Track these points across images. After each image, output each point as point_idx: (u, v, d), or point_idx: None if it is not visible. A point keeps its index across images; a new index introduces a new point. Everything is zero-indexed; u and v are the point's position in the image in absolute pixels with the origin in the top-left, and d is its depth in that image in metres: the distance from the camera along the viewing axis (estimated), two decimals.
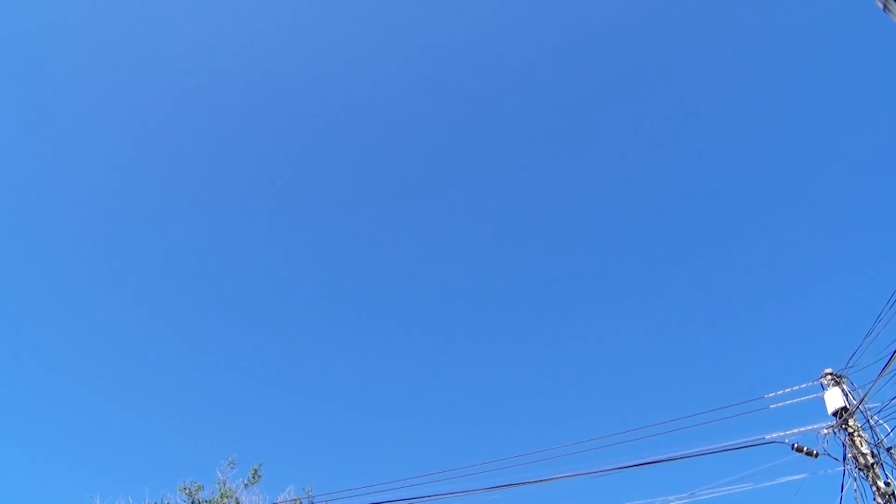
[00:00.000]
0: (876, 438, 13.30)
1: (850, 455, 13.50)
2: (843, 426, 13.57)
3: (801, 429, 13.93)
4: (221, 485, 26.09)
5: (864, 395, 13.11)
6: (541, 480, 13.76)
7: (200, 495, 25.71)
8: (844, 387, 13.83)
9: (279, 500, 27.83)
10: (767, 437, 13.77)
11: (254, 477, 26.72)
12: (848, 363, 14.02)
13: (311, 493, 27.48)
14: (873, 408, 13.49)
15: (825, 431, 13.84)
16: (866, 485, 13.24)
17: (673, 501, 14.92)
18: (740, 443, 13.29)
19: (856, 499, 13.46)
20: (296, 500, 27.40)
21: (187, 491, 25.32)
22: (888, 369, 12.18)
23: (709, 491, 14.78)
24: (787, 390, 14.17)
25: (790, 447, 13.73)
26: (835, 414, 13.78)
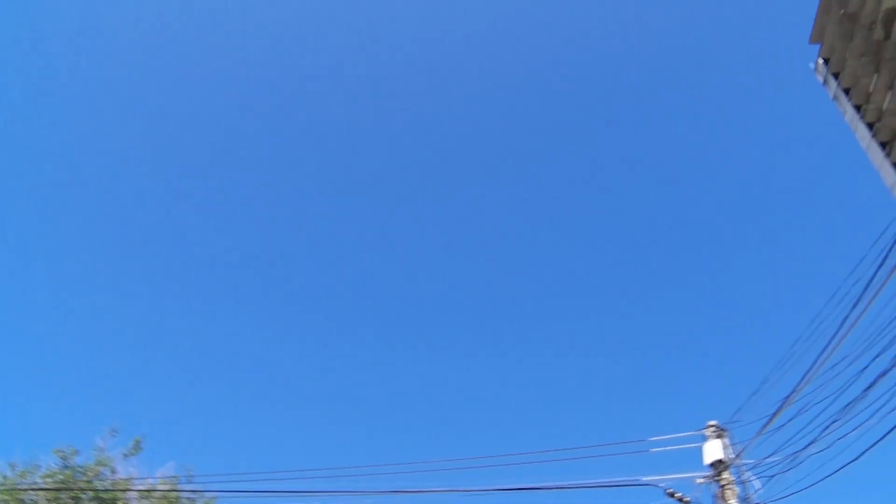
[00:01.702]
0: (745, 493, 13.68)
1: None
2: (717, 478, 13.92)
3: (678, 475, 14.24)
4: (99, 452, 25.32)
5: (741, 451, 13.52)
6: (408, 492, 13.71)
7: (75, 460, 24.89)
8: (725, 440, 14.22)
9: (157, 474, 27.14)
10: (644, 478, 14.02)
11: (134, 448, 26.01)
12: (732, 418, 14.44)
13: (191, 473, 26.89)
14: (748, 464, 13.90)
15: (700, 481, 14.17)
16: None
17: None
18: (617, 481, 13.52)
19: None
20: (174, 476, 26.77)
21: (62, 454, 24.48)
22: (766, 429, 12.59)
23: None
24: (670, 436, 14.49)
25: (664, 491, 14.02)
26: (711, 465, 14.14)
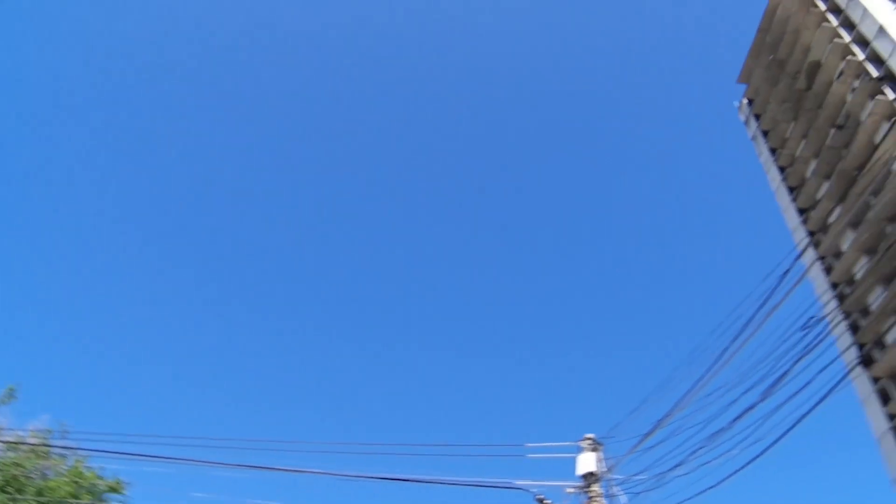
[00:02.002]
0: None
1: None
2: (587, 489, 14.26)
3: (550, 482, 14.52)
4: None
5: (612, 466, 13.89)
6: (279, 469, 13.60)
7: None
8: (599, 453, 14.58)
9: (30, 427, 26.23)
10: (517, 482, 14.25)
11: (7, 397, 25.08)
12: (608, 433, 14.82)
13: (66, 429, 26.07)
14: (617, 479, 14.30)
15: (570, 490, 14.48)
16: None
17: None
18: (489, 481, 13.70)
19: None
20: (47, 430, 25.93)
21: None
22: (638, 448, 12.99)
23: None
24: (547, 444, 14.76)
25: (534, 496, 14.27)
26: (583, 476, 14.47)
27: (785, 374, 10.02)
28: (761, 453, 10.64)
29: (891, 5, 49.10)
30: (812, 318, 9.65)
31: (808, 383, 9.86)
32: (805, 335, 9.61)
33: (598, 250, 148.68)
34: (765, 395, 10.30)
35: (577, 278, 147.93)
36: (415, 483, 13.42)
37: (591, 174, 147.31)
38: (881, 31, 46.01)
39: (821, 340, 9.58)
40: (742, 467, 10.64)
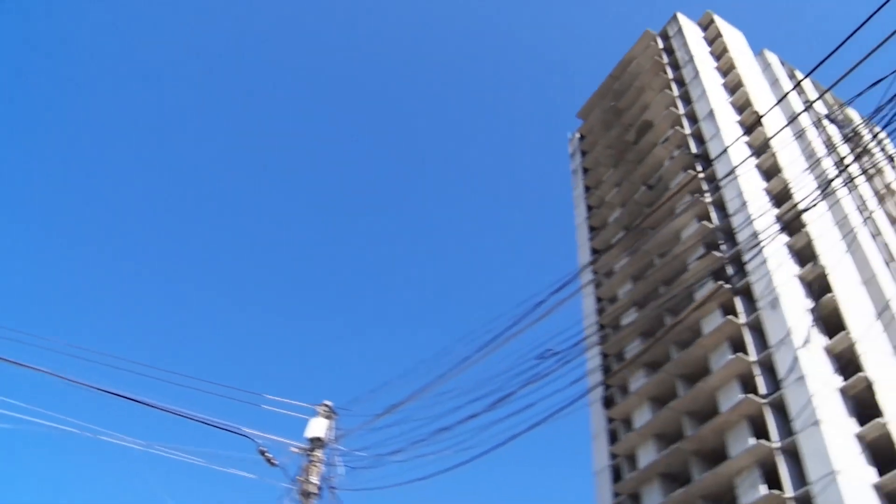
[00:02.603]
0: (328, 474, 14.33)
1: (300, 479, 14.34)
2: (310, 453, 14.44)
3: (278, 438, 14.56)
4: None
5: (339, 437, 14.17)
6: None
7: None
8: (332, 422, 14.80)
9: None
10: (244, 429, 14.18)
11: None
12: (346, 406, 15.09)
13: None
14: (341, 450, 14.59)
15: (294, 450, 14.59)
16: None
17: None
18: (216, 421, 13.51)
19: None
20: None
21: None
22: (366, 426, 13.35)
23: (169, 448, 14.84)
24: (286, 400, 14.79)
25: (257, 447, 14.27)
26: (311, 440, 14.63)
27: (509, 394, 10.69)
28: (469, 460, 11.40)
29: (726, 95, 53.43)
30: (548, 350, 10.35)
31: (530, 406, 10.63)
32: (538, 364, 10.35)
33: (398, 232, 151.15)
34: (489, 408, 10.94)
35: (371, 256, 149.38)
36: (143, 405, 12.99)
37: (406, 150, 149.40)
38: (710, 114, 49.98)
39: (548, 374, 10.33)
40: (451, 468, 11.28)
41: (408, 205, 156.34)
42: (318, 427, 14.40)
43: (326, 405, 14.66)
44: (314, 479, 14.15)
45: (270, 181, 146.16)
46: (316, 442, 14.32)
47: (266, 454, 14.27)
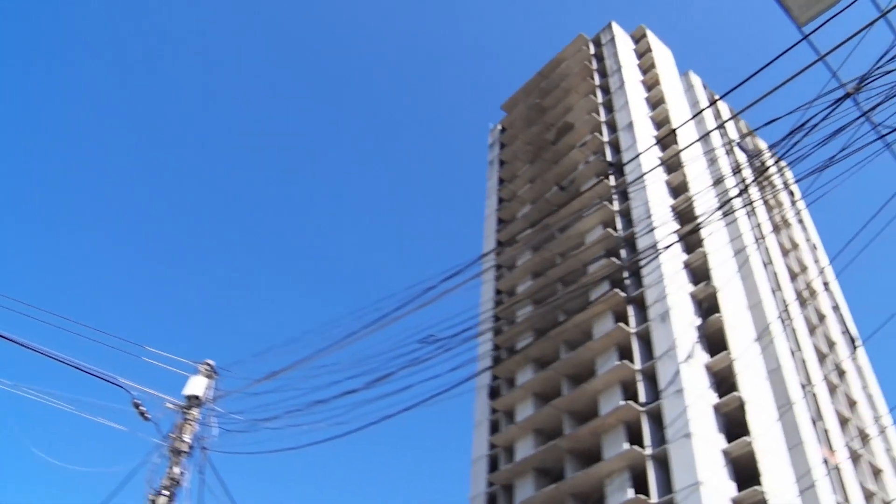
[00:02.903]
0: (201, 434, 14.08)
1: (173, 436, 14.04)
2: (186, 410, 14.15)
3: (153, 391, 14.20)
4: None
5: (217, 398, 13.94)
6: None
7: None
8: (211, 382, 14.53)
9: None
10: (120, 379, 13.78)
11: None
12: (228, 367, 14.85)
13: None
14: (217, 411, 14.36)
15: (170, 406, 14.27)
16: (165, 465, 13.79)
17: None
18: (92, 369, 13.02)
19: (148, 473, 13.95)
20: None
21: None
22: (244, 390, 13.20)
23: (37, 390, 14.30)
24: (166, 354, 14.43)
25: (132, 398, 13.89)
26: (188, 397, 14.34)
27: (388, 375, 10.75)
28: (342, 434, 11.45)
29: (647, 109, 54.79)
30: (430, 335, 10.44)
31: (407, 388, 10.71)
32: (420, 348, 10.45)
33: (307, 199, 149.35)
34: (367, 386, 10.97)
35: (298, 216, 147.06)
36: (11, 343, 12.42)
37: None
38: (629, 126, 51.15)
39: (427, 359, 10.42)
40: (324, 440, 11.29)
41: (321, 170, 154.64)
42: (197, 385, 14.11)
43: (208, 364, 14.37)
44: (187, 437, 13.87)
45: (164, 129, 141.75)
46: (193, 400, 14.03)
47: (140, 407, 13.91)
